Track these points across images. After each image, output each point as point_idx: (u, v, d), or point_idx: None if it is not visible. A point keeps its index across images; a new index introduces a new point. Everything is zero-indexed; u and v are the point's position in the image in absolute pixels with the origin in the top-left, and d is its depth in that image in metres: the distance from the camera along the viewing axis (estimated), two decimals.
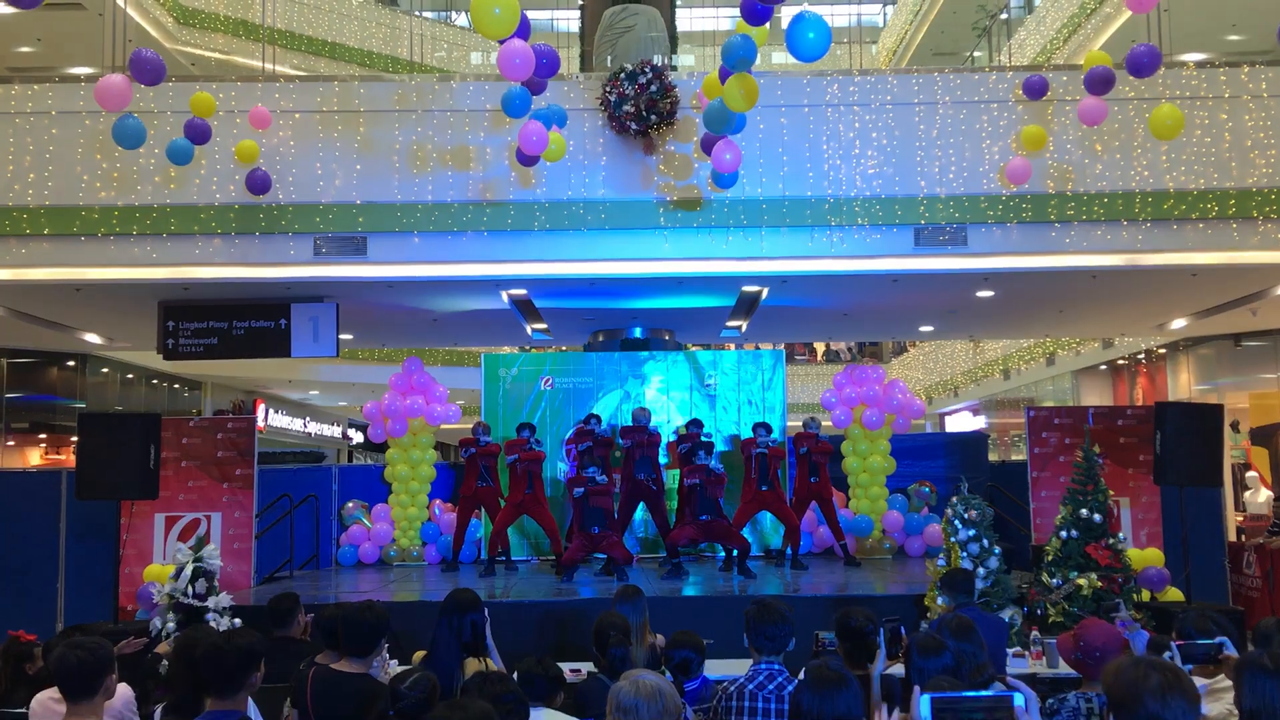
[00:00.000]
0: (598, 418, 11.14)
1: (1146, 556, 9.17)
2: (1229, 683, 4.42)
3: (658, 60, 10.14)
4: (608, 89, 9.63)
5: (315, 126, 9.84)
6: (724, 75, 7.79)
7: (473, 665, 4.83)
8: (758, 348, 18.34)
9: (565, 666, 4.75)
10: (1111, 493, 8.31)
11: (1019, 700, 2.35)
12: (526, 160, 8.63)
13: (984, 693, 2.36)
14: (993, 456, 17.16)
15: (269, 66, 14.59)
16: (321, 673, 4.57)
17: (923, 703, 2.34)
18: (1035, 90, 9.30)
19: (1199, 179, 9.67)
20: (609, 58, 10.95)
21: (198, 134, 8.79)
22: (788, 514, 10.61)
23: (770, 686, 4.34)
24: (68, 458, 16.19)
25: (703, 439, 10.70)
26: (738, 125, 8.18)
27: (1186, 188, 9.67)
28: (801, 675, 3.10)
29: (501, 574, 10.64)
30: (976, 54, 20.97)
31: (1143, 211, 9.64)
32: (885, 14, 27.78)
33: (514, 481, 10.43)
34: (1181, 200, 9.64)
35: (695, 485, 9.94)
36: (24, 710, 4.69)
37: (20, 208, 9.62)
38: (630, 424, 11.05)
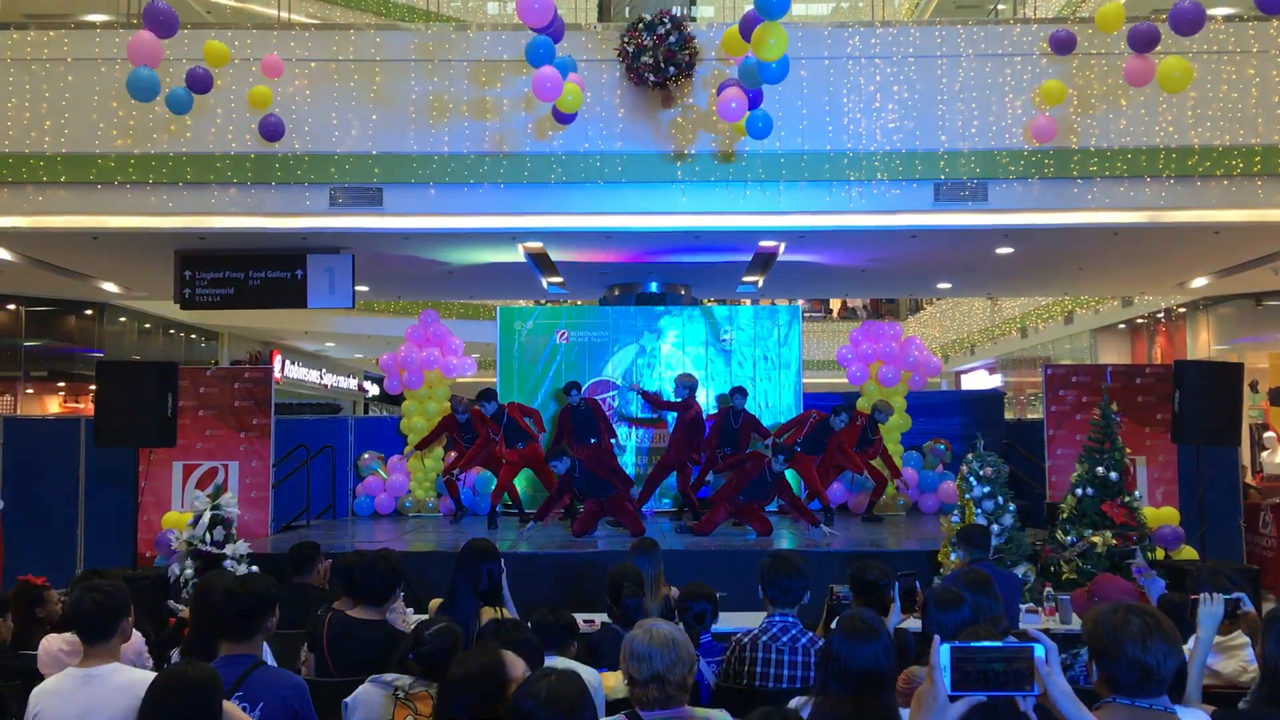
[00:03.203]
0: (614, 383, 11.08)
1: (1162, 515, 9.14)
2: (1244, 639, 4.42)
3: (677, 11, 9.99)
4: (626, 39, 9.51)
5: (331, 76, 9.77)
6: (747, 27, 7.66)
7: (488, 614, 4.87)
8: (774, 303, 18.29)
9: (579, 617, 4.77)
10: (1128, 451, 8.28)
11: (1039, 651, 2.33)
12: (561, 117, 8.54)
13: (1004, 643, 2.34)
14: (1009, 414, 17.11)
15: (284, 15, 14.45)
16: (338, 619, 4.63)
17: (942, 652, 2.32)
18: (1062, 45, 9.04)
19: (1224, 135, 9.51)
20: (627, 8, 10.82)
21: (198, 84, 8.69)
22: (808, 470, 10.58)
23: (784, 639, 4.36)
24: (86, 406, 16.32)
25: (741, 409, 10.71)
26: (778, 77, 8.03)
27: (1211, 144, 9.51)
28: (834, 624, 3.12)
29: (515, 526, 10.68)
30: (1000, 6, 20.61)
31: (1166, 168, 9.50)
32: None
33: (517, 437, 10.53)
34: (1206, 157, 9.50)
35: (747, 469, 9.65)
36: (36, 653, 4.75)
37: (37, 155, 9.60)
38: (673, 393, 11.07)
